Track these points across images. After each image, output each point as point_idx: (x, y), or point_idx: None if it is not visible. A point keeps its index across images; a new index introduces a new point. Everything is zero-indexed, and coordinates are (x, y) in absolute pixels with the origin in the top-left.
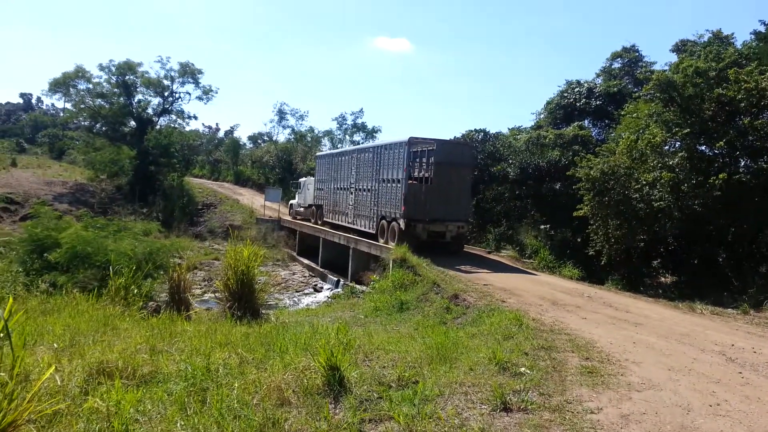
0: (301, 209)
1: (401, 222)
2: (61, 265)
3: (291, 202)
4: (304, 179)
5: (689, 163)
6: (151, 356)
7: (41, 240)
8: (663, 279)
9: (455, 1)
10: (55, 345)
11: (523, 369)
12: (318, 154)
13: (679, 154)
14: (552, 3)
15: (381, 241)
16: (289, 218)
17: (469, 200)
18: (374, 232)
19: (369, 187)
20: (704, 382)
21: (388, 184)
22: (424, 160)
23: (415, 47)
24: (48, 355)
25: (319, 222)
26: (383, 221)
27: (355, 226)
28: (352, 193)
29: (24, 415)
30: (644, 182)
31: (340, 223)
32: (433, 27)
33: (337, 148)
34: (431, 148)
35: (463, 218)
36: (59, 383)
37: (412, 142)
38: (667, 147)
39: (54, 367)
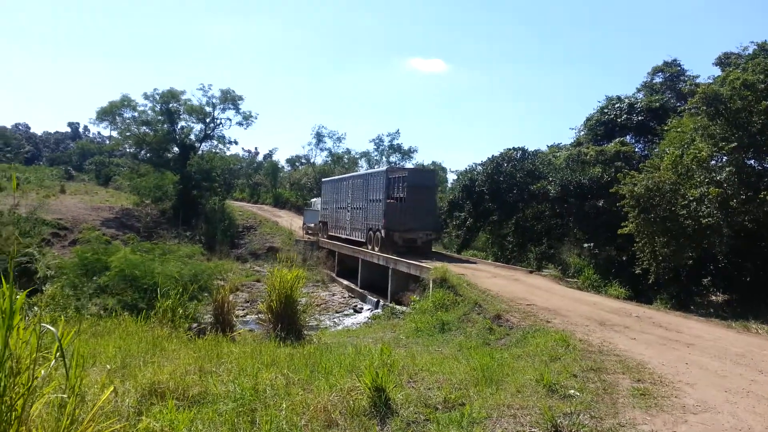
0: (311, 225)
1: (383, 232)
2: (110, 287)
3: (303, 219)
4: (314, 200)
5: (738, 178)
6: (200, 377)
7: (91, 263)
8: (714, 297)
9: (489, 20)
10: (108, 366)
11: (572, 391)
12: (323, 180)
13: (727, 169)
14: (587, 20)
15: (368, 248)
16: (304, 234)
17: (436, 214)
18: (364, 240)
19: (360, 206)
20: (764, 404)
21: (374, 203)
22: (400, 184)
23: (450, 67)
24: (102, 376)
25: (325, 236)
26: (370, 232)
27: (351, 237)
28: (348, 211)
29: None
30: (691, 198)
31: (340, 235)
32: (468, 47)
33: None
34: (405, 174)
35: (430, 228)
36: (114, 403)
37: (390, 170)
38: (714, 162)
39: (113, 388)
